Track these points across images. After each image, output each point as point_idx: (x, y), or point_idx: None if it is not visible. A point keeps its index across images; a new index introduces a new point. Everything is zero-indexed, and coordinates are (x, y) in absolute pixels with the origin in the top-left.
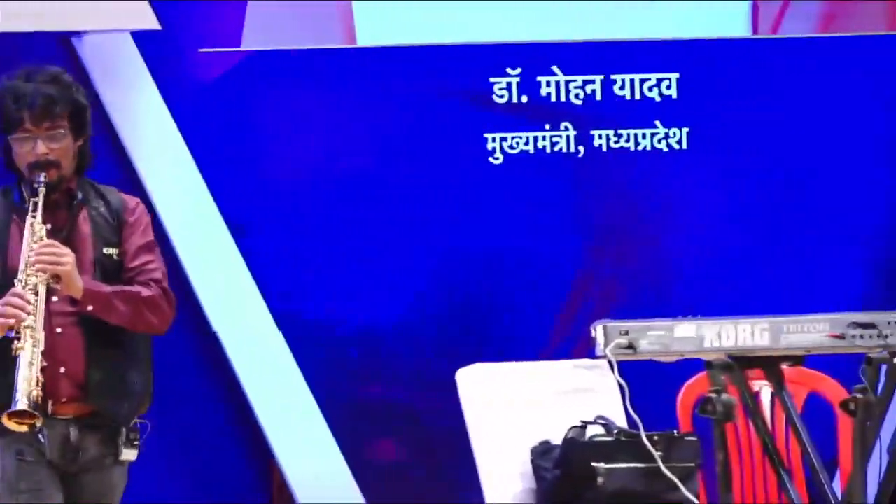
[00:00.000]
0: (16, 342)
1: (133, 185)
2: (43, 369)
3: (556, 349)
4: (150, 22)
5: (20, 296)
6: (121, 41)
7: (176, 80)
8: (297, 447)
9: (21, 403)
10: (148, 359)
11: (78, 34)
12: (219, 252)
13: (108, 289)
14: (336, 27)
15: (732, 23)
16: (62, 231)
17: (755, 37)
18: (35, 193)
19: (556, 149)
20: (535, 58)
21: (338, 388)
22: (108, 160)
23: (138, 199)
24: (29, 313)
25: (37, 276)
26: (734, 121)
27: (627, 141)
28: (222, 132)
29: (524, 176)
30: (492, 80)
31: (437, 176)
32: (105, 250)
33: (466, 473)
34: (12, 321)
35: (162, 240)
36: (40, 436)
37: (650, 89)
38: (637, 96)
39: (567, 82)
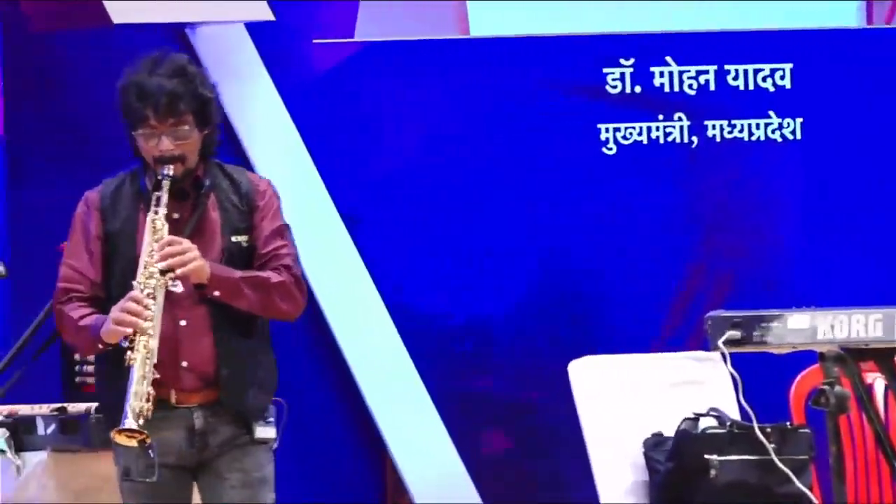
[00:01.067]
0: (129, 352)
1: None
2: (158, 366)
3: (668, 341)
4: (264, 13)
5: (138, 300)
6: (235, 33)
7: (290, 71)
8: (411, 440)
9: (128, 422)
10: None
11: (192, 26)
12: (333, 244)
13: (236, 274)
14: (449, 17)
15: (846, 13)
16: (190, 220)
17: (869, 27)
18: (159, 187)
19: (670, 139)
20: (649, 48)
21: (450, 380)
22: (223, 151)
23: (268, 181)
24: (146, 319)
25: (155, 279)
26: (848, 111)
27: (741, 131)
28: (336, 123)
29: (637, 167)
30: (605, 70)
31: (550, 167)
32: (233, 238)
33: (578, 466)
34: (129, 330)
35: None
36: (150, 452)
37: (764, 79)
38: (751, 86)
39: (681, 73)
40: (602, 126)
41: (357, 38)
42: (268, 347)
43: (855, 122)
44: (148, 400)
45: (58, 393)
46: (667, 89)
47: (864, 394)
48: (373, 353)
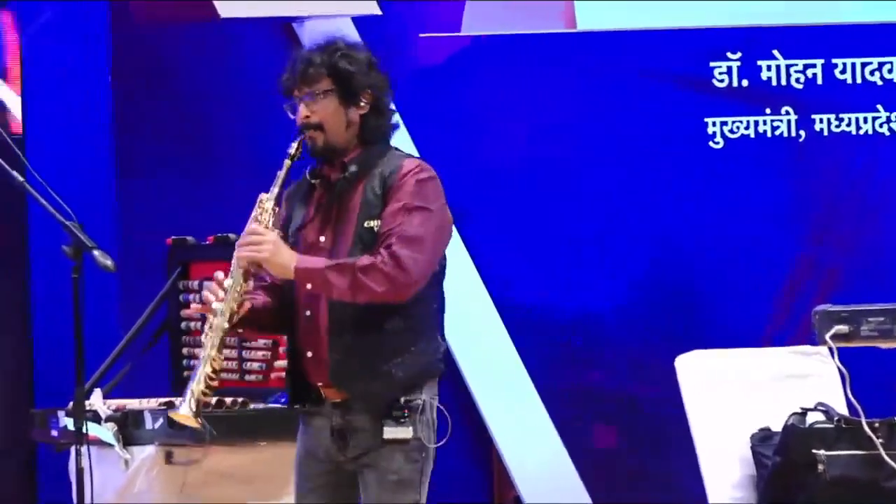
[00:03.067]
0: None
1: None
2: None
3: (775, 335)
4: (372, 8)
5: (215, 280)
6: (342, 27)
7: (396, 65)
8: (518, 435)
9: (183, 408)
10: (419, 335)
11: (300, 20)
12: None
13: (321, 264)
14: (556, 11)
15: None
16: (332, 204)
17: None
18: (295, 159)
19: (777, 133)
20: (756, 42)
21: (558, 374)
22: None
23: (419, 161)
24: (217, 299)
25: (236, 260)
26: None
27: (849, 125)
28: (443, 117)
29: (744, 160)
30: (712, 64)
31: (656, 160)
32: (366, 223)
33: (686, 460)
34: (200, 306)
35: None
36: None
37: (872, 73)
38: (858, 80)
39: (788, 66)
40: (709, 120)
41: (463, 33)
42: (411, 339)
43: None
44: (206, 384)
45: (166, 387)
46: (774, 83)
47: None
48: (480, 348)
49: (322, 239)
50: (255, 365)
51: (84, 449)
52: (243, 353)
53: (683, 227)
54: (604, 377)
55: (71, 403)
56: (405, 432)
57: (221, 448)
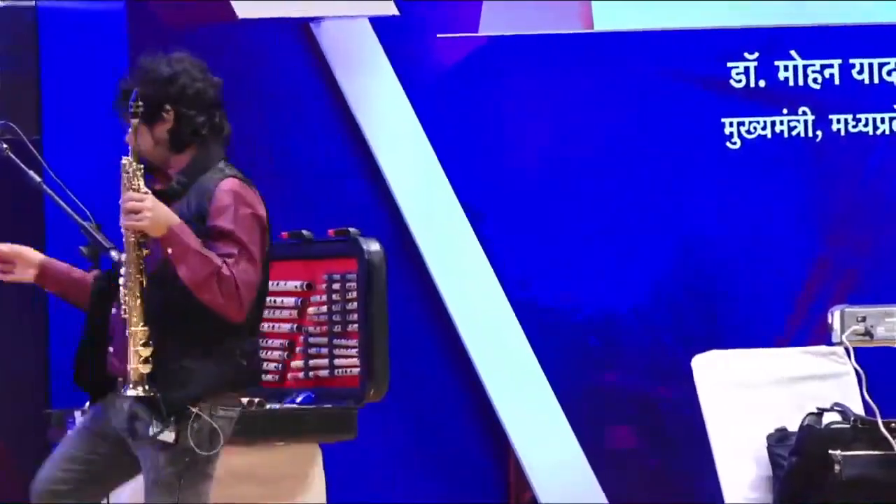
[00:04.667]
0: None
1: (370, 168)
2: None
3: (792, 335)
4: (389, 8)
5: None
6: (359, 27)
7: (414, 66)
8: (535, 436)
9: (129, 391)
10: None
11: (317, 21)
12: (456, 239)
13: (195, 244)
14: (573, 12)
15: None
16: None
17: None
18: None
19: (794, 133)
20: (773, 42)
21: (573, 375)
22: (346, 145)
23: (231, 183)
24: (124, 275)
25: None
26: None
27: (866, 126)
28: (460, 118)
29: (762, 161)
30: (729, 64)
31: (673, 161)
32: None
33: (702, 460)
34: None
35: (400, 226)
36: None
37: (889, 73)
38: (876, 80)
39: (805, 66)
40: (726, 120)
41: (481, 33)
42: (203, 351)
43: None
44: (144, 353)
45: None
46: (791, 83)
47: None
48: (497, 348)
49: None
50: (272, 365)
51: None
52: (259, 353)
53: (700, 228)
54: (620, 378)
55: (87, 404)
56: (168, 436)
57: (238, 448)
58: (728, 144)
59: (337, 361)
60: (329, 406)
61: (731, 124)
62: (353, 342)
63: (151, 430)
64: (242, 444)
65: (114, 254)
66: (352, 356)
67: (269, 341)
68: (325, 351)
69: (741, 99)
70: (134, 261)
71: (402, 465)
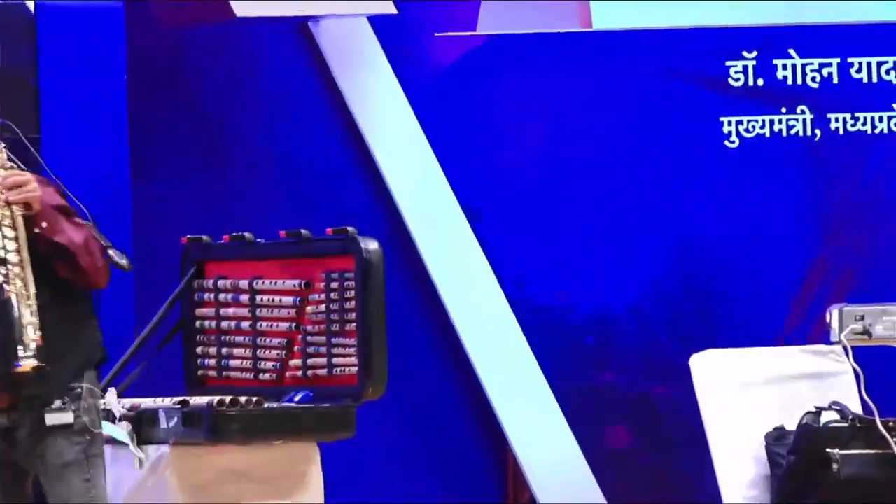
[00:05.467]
0: (5, 286)
1: (368, 167)
2: None
3: (790, 334)
4: (387, 7)
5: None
6: (358, 27)
7: (412, 65)
8: (533, 435)
9: (24, 362)
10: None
11: (315, 20)
12: (455, 238)
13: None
14: (572, 11)
15: None
16: None
17: None
18: None
19: (793, 132)
20: (772, 41)
21: (572, 374)
22: (345, 144)
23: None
24: (16, 251)
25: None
26: None
27: (864, 124)
28: (458, 116)
29: (760, 160)
30: (728, 63)
31: (671, 160)
32: None
33: (700, 459)
34: None
35: (398, 225)
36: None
37: (887, 72)
38: (874, 79)
39: (803, 65)
40: (724, 119)
41: (479, 32)
42: (79, 327)
43: None
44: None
45: (180, 386)
46: (790, 82)
47: None
48: (495, 348)
49: None
50: (270, 364)
51: None
52: (257, 352)
53: (698, 227)
54: (619, 377)
55: None
56: (67, 417)
57: (236, 447)
58: (726, 143)
59: (335, 360)
60: (327, 405)
61: (729, 123)
62: (352, 341)
63: (49, 419)
64: (240, 442)
65: (112, 252)
66: (350, 355)
67: (268, 340)
68: (323, 350)
69: (739, 98)
70: (26, 237)
71: (401, 464)
